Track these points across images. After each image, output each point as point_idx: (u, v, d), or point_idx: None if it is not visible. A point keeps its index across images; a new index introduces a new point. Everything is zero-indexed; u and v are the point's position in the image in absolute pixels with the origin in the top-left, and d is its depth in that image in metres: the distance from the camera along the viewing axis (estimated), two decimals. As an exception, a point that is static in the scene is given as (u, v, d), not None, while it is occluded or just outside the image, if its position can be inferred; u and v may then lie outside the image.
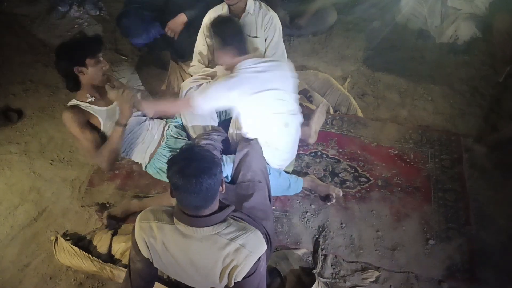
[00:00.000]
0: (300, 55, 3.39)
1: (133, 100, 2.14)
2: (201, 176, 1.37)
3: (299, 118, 2.37)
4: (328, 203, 2.40)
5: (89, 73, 2.08)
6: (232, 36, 2.19)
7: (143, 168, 2.40)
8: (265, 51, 2.72)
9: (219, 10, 2.62)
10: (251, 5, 2.56)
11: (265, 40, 2.68)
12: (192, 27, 2.91)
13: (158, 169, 2.33)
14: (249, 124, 2.26)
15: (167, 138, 2.38)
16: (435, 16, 3.40)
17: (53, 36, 3.58)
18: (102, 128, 2.18)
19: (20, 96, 3.04)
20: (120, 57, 3.37)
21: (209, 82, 2.49)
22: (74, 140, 2.73)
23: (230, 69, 2.24)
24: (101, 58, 2.10)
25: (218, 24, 2.23)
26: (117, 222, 2.28)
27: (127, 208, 2.32)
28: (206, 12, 2.67)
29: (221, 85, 2.14)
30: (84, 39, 2.17)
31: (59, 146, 2.72)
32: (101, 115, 2.17)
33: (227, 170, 2.15)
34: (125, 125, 2.15)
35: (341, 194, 2.42)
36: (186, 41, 3.00)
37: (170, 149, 2.33)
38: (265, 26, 2.62)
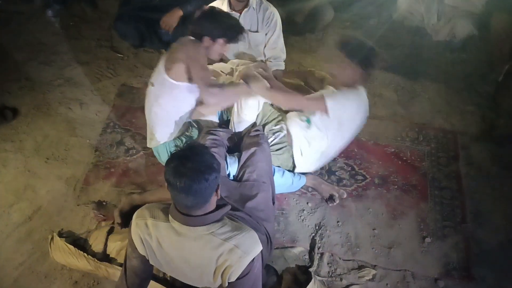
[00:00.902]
0: (296, 52, 3.38)
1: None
2: (192, 178, 1.34)
3: None
4: (330, 204, 2.39)
5: (212, 49, 2.12)
6: (371, 61, 2.18)
7: (149, 145, 2.37)
8: (265, 46, 2.72)
9: (219, 5, 2.61)
10: (253, 0, 2.59)
11: (266, 35, 2.69)
12: (188, 23, 2.90)
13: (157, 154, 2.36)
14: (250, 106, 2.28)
15: (192, 130, 2.36)
16: (431, 14, 3.40)
17: (49, 33, 3.56)
18: None
19: (16, 94, 3.02)
20: (116, 55, 3.34)
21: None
22: (69, 137, 2.73)
23: (346, 85, 2.21)
24: (227, 45, 2.17)
25: (358, 47, 2.16)
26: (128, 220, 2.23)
27: (131, 202, 2.28)
28: (203, 7, 2.66)
29: (353, 99, 2.18)
30: (236, 24, 2.18)
31: (54, 144, 2.70)
32: None
33: (231, 169, 2.14)
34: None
35: (344, 195, 2.40)
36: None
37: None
38: (266, 21, 2.65)
